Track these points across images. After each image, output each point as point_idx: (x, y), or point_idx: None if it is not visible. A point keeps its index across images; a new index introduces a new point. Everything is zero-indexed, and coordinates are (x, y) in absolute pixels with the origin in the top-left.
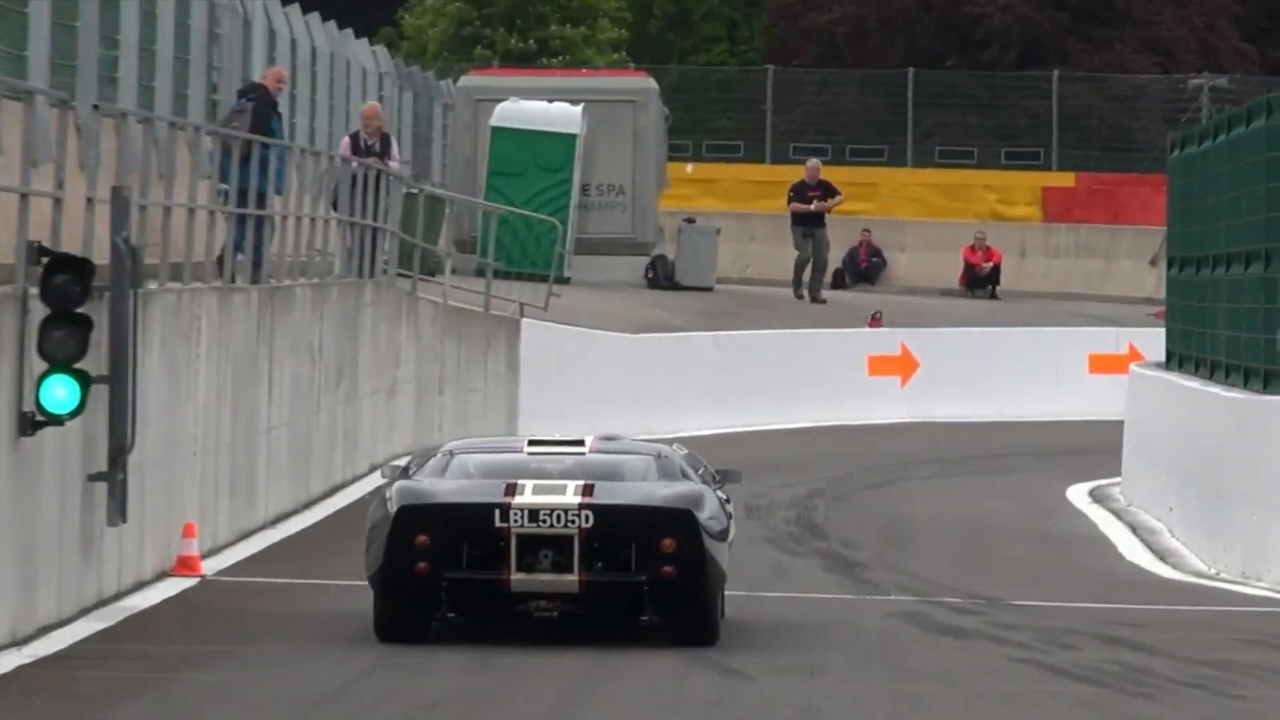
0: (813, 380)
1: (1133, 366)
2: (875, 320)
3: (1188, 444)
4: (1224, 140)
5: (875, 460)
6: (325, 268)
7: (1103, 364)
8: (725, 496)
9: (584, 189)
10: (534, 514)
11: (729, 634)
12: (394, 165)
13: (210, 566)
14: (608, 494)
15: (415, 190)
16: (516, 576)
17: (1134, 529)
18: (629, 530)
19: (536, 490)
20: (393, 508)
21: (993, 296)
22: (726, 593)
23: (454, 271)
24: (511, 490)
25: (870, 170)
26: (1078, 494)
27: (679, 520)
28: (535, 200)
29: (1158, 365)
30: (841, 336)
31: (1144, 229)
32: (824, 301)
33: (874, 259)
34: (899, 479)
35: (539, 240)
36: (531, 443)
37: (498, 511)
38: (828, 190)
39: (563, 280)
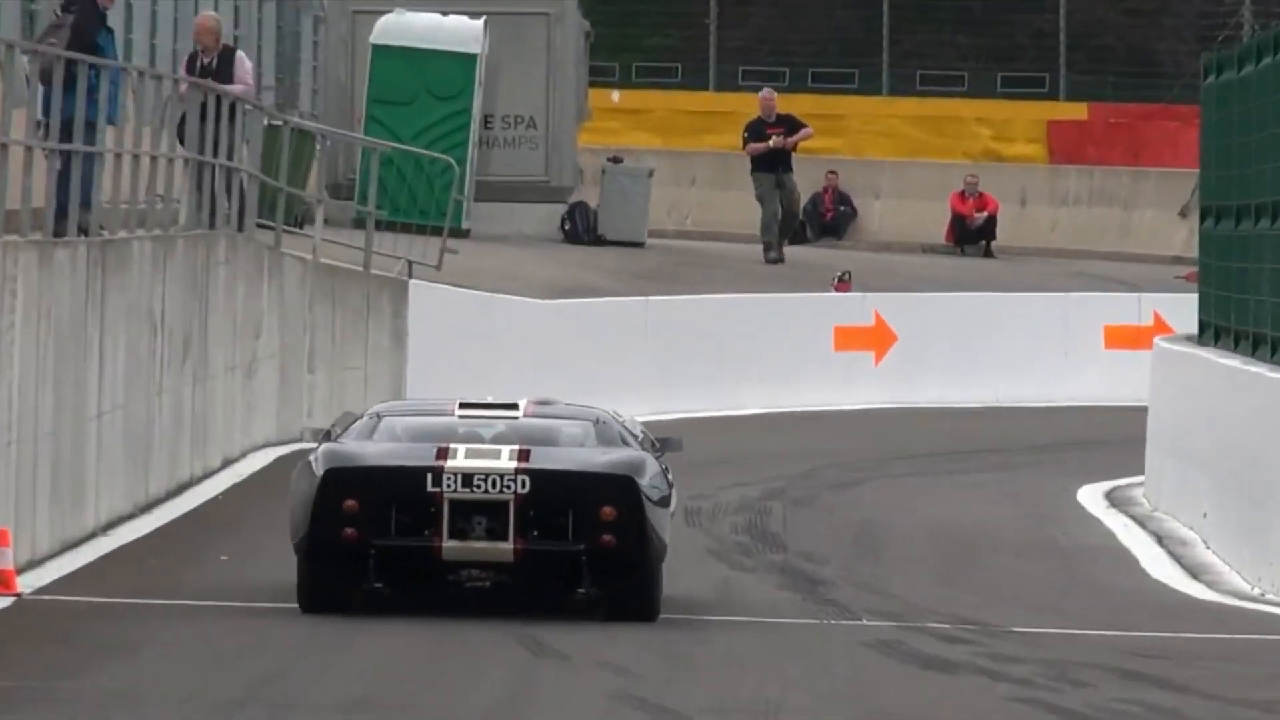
0: (766, 356)
1: (1158, 340)
2: (842, 283)
3: (1226, 435)
4: (1269, 63)
5: (843, 454)
6: (169, 217)
7: (1122, 337)
8: (665, 465)
9: (486, 121)
10: (468, 478)
11: (663, 665)
12: (235, 88)
13: (28, 582)
14: (544, 459)
15: (279, 122)
16: (448, 544)
17: (1160, 539)
18: (567, 497)
19: (470, 454)
20: (319, 470)
21: (987, 254)
22: (664, 616)
23: (326, 222)
24: (444, 454)
25: (837, 100)
26: (1091, 496)
27: (619, 487)
28: (427, 135)
29: (1188, 339)
30: (801, 303)
31: (1172, 172)
32: (780, 260)
33: (841, 208)
34: (872, 477)
35: (431, 184)
36: (462, 405)
37: (430, 475)
38: (791, 126)
39: (460, 233)
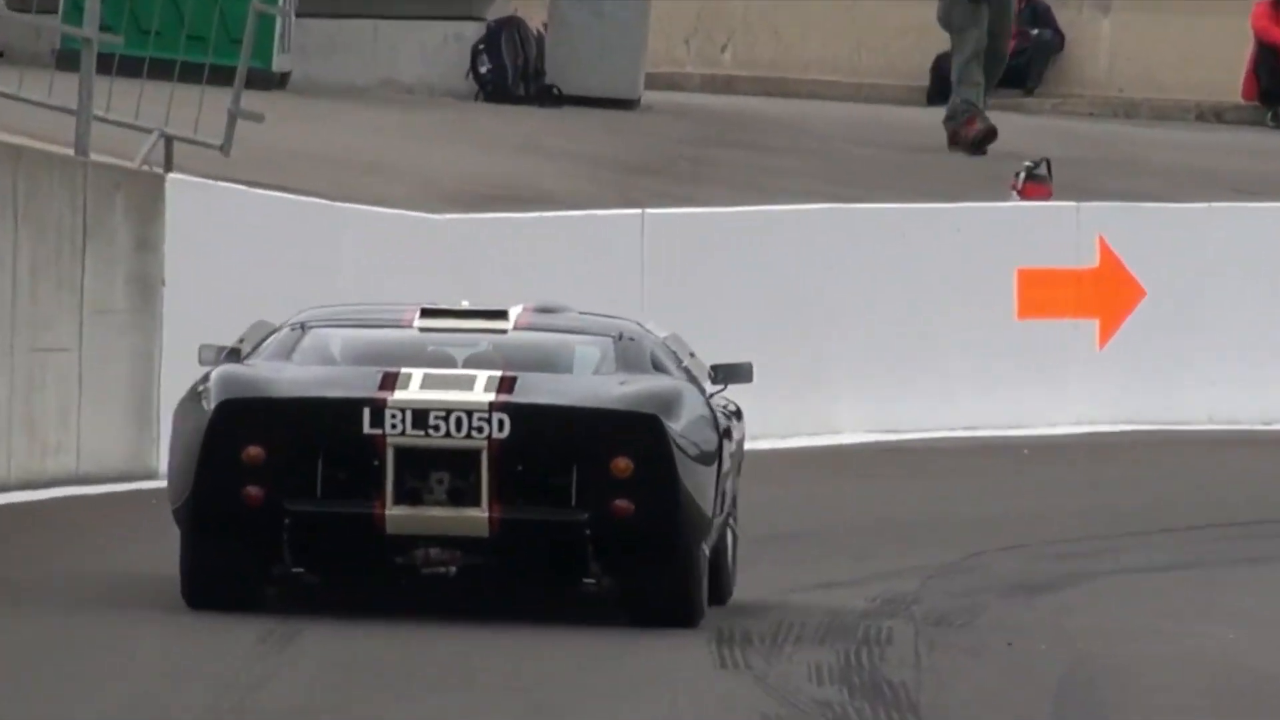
0: (880, 331)
1: None
2: (1035, 184)
3: None
4: None
5: (1033, 524)
6: None
7: None
8: (728, 404)
9: None
10: (421, 416)
11: None
12: None
13: None
14: (534, 390)
15: None
16: (394, 511)
17: None
18: (564, 444)
19: (429, 383)
20: (211, 403)
21: None
22: None
23: (2, 58)
24: (391, 382)
25: None
26: None
27: (639, 430)
28: None
29: None
30: (952, 221)
31: None
32: (983, 150)
33: (1034, 31)
34: (1093, 570)
35: None
36: (425, 313)
37: (368, 411)
38: None
39: (270, 80)
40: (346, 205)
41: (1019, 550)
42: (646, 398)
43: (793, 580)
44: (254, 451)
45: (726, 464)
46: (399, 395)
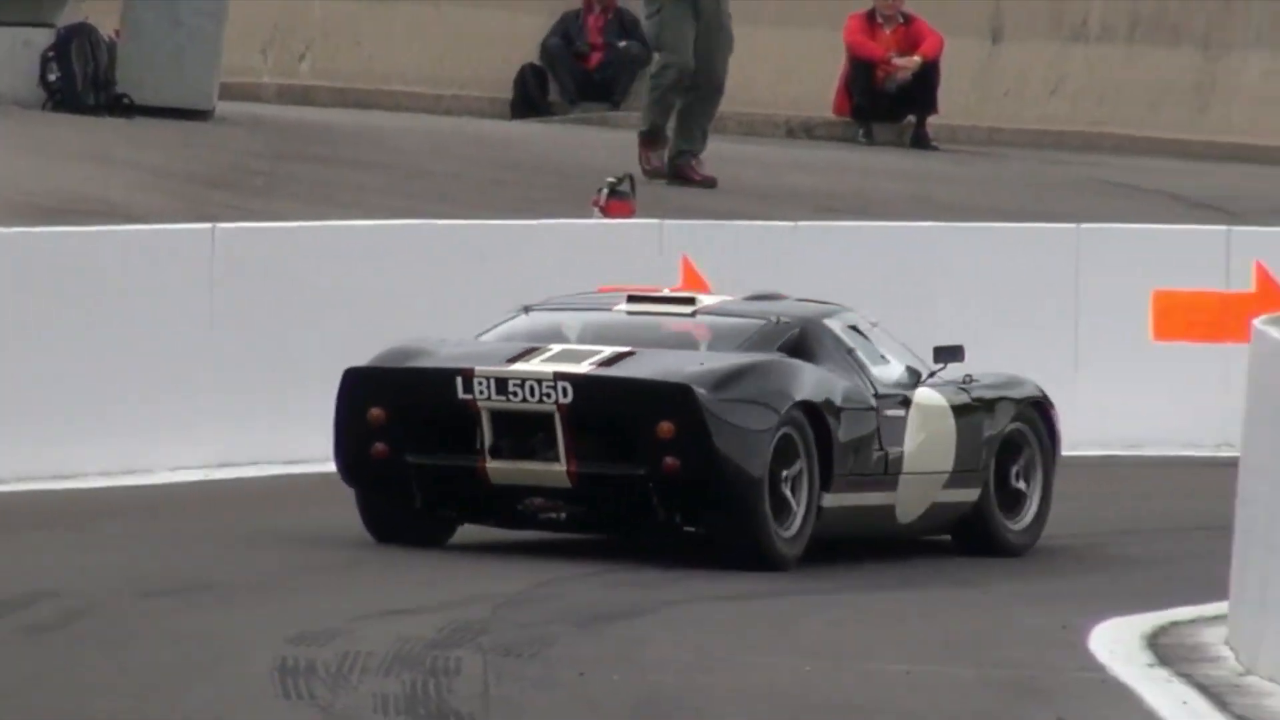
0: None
1: (1259, 325)
2: (617, 201)
3: None
4: None
5: (609, 552)
6: None
7: (1187, 315)
8: (1016, 380)
9: None
10: (501, 384)
11: None
12: None
13: None
14: (626, 365)
15: None
16: (493, 464)
17: None
18: (616, 409)
19: (554, 357)
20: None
21: (919, 142)
22: None
23: None
24: (522, 355)
25: None
26: (1117, 641)
27: (673, 398)
28: None
29: None
30: (531, 238)
31: None
32: (710, 182)
33: (624, 45)
34: (667, 600)
35: None
36: (631, 299)
37: (460, 380)
38: None
39: None
40: None
41: (592, 578)
42: (696, 373)
43: (357, 607)
44: (376, 413)
45: (869, 426)
46: (488, 367)
